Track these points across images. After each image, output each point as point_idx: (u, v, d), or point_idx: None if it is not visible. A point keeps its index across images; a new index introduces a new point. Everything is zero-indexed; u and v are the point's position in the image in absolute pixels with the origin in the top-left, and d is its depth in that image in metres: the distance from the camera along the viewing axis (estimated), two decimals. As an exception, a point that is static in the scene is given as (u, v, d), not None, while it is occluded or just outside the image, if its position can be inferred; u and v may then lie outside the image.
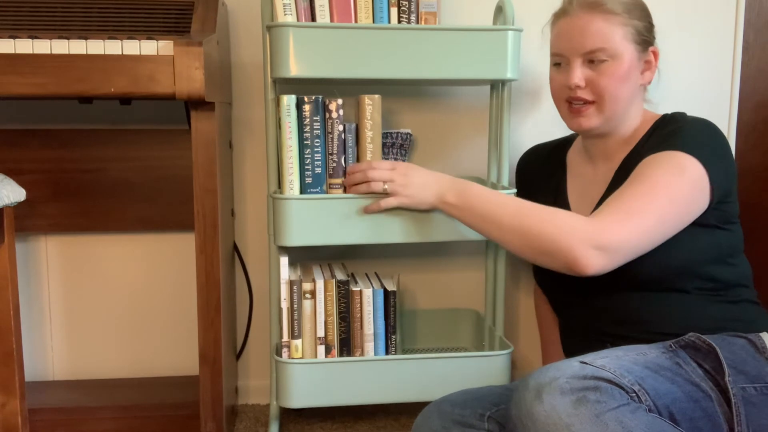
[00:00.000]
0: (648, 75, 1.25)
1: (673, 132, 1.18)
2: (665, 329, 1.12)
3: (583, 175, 1.34)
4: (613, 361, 0.98)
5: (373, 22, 1.43)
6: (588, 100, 1.23)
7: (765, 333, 1.12)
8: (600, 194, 1.26)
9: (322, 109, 1.38)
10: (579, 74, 1.21)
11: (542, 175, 1.43)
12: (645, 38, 1.23)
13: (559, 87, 1.26)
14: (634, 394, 0.94)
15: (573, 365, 0.97)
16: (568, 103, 1.25)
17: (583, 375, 0.94)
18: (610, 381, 0.94)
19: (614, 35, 1.19)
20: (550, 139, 1.52)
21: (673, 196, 1.09)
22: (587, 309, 1.23)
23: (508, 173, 1.51)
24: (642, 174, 1.13)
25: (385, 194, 1.32)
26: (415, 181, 1.29)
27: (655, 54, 1.25)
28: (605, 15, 1.19)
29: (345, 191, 1.39)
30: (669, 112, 1.27)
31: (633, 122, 1.26)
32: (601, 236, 1.06)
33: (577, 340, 1.26)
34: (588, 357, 0.99)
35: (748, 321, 1.15)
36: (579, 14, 1.21)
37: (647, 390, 0.96)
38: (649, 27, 1.24)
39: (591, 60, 1.21)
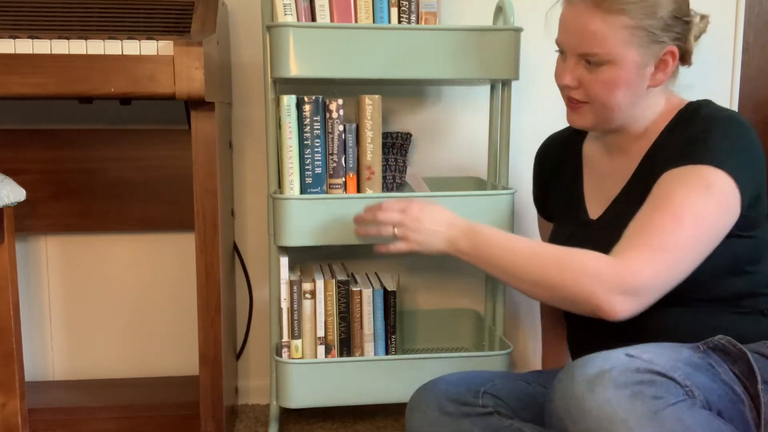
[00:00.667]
0: (660, 77, 1.10)
1: (697, 137, 1.06)
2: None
3: (598, 166, 1.25)
4: (657, 355, 0.92)
5: (373, 22, 1.43)
6: (578, 101, 1.14)
7: None
8: (616, 191, 1.18)
9: (322, 109, 1.38)
10: (570, 75, 1.12)
11: (559, 166, 1.34)
12: (658, 39, 1.07)
13: (558, 77, 1.17)
14: (688, 389, 0.90)
15: (620, 357, 0.91)
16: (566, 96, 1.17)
17: (635, 368, 0.89)
18: (664, 375, 0.89)
19: (613, 40, 1.06)
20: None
21: (701, 220, 1.00)
22: (595, 319, 1.19)
23: (508, 173, 1.51)
24: (666, 196, 1.02)
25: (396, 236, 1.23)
26: (426, 226, 1.20)
27: (673, 54, 1.09)
28: (606, 15, 1.06)
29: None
30: (694, 99, 1.16)
31: (649, 116, 1.15)
32: (628, 279, 0.98)
33: (584, 347, 1.21)
34: (631, 350, 0.93)
35: (761, 334, 1.08)
36: (580, 6, 1.08)
37: (698, 386, 0.91)
38: (669, 24, 1.08)
39: (586, 60, 1.10)
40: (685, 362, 0.94)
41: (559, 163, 1.34)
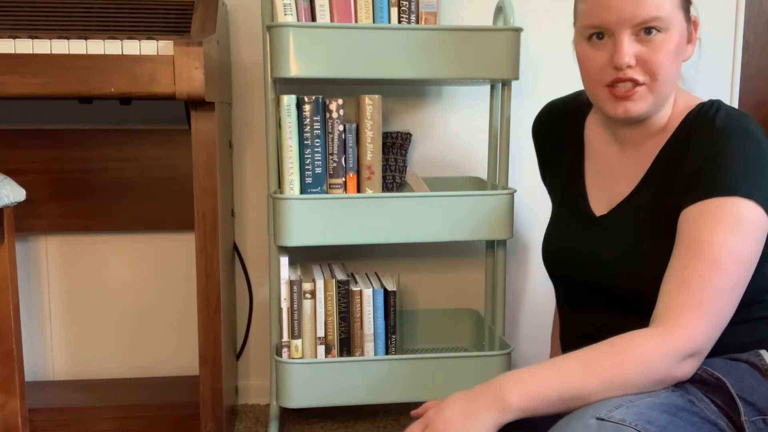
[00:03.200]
0: (690, 48, 1.05)
1: (715, 160, 0.98)
2: None
3: (604, 157, 1.15)
4: (630, 410, 0.87)
5: (373, 22, 1.43)
6: (639, 81, 1.01)
7: (763, 351, 1.03)
8: (625, 190, 1.09)
9: (322, 109, 1.38)
10: (630, 51, 1.00)
11: (559, 141, 1.23)
12: (689, 4, 1.03)
13: (601, 68, 1.03)
14: None
15: (589, 425, 0.84)
16: (610, 87, 1.03)
17: None
18: None
19: (668, 2, 0.99)
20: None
21: (741, 262, 0.96)
22: (593, 326, 1.12)
23: (508, 173, 1.51)
24: (698, 241, 0.96)
25: None
26: (458, 422, 0.94)
27: (696, 24, 1.05)
28: None
29: (346, 191, 1.39)
30: (706, 99, 1.08)
31: (669, 107, 1.07)
32: (686, 346, 0.93)
33: (575, 343, 1.18)
34: (602, 410, 0.87)
35: (757, 340, 1.05)
36: None
37: None
38: None
39: (642, 32, 1.00)
40: (661, 409, 0.90)
41: (560, 137, 1.23)
